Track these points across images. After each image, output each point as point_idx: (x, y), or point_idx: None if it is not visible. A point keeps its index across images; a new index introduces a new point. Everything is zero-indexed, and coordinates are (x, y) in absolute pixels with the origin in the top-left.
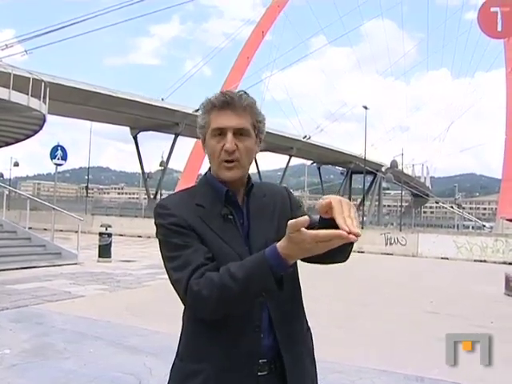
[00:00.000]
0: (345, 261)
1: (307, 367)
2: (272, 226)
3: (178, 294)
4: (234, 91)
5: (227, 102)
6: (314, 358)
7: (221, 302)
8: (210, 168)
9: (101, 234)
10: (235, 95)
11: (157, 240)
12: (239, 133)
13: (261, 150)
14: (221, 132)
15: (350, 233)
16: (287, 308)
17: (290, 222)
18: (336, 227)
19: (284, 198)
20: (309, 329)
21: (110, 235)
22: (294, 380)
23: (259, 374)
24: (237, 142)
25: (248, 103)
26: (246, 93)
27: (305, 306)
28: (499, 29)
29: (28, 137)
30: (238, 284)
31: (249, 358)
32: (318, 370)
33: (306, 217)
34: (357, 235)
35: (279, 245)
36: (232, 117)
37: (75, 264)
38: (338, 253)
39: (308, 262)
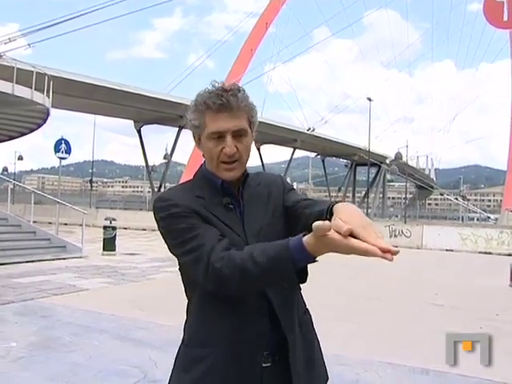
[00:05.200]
0: None
1: (312, 351)
2: (267, 213)
3: (196, 274)
4: (227, 87)
5: (223, 105)
6: (316, 338)
7: (240, 283)
8: (205, 161)
9: (105, 227)
10: (230, 95)
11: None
12: (238, 134)
13: (265, 143)
14: (219, 135)
15: (392, 253)
16: (287, 292)
17: (315, 224)
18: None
19: (278, 185)
20: (307, 311)
21: (114, 228)
22: (298, 365)
23: (264, 365)
24: (236, 144)
25: (244, 103)
26: (239, 89)
27: (308, 298)
28: (505, 18)
29: (32, 130)
30: (258, 269)
31: (255, 347)
32: None
33: (328, 222)
34: (396, 252)
35: (306, 240)
36: (229, 119)
37: (80, 257)
38: None
39: None
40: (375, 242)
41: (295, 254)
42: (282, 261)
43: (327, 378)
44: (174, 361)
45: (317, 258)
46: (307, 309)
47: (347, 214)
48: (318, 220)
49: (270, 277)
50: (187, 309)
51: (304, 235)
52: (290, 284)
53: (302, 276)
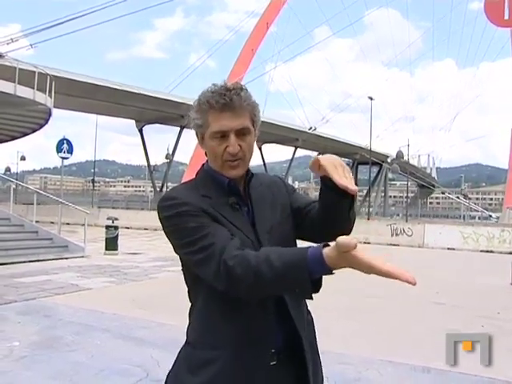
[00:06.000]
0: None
1: (314, 350)
2: (275, 212)
3: (206, 273)
4: (230, 86)
5: (227, 104)
6: (316, 340)
7: (252, 284)
8: (207, 160)
9: (107, 226)
10: (233, 95)
11: (163, 233)
12: (241, 133)
13: (267, 142)
14: (222, 134)
15: (350, 190)
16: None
17: (340, 240)
18: (335, 189)
19: (280, 186)
20: (309, 312)
21: (116, 228)
22: (309, 363)
23: (271, 363)
24: (239, 142)
25: (247, 101)
26: (241, 88)
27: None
28: (506, 17)
29: (34, 131)
30: (273, 273)
31: (262, 346)
32: (324, 362)
33: (355, 240)
34: (355, 191)
35: (327, 253)
36: (232, 118)
37: (82, 257)
38: (340, 228)
39: (303, 240)
40: (340, 179)
41: (313, 264)
42: (297, 269)
43: (323, 379)
44: (173, 363)
45: (333, 271)
46: (309, 310)
47: (325, 156)
48: (320, 202)
49: (283, 283)
50: (190, 312)
51: (324, 246)
52: (303, 292)
53: (316, 286)
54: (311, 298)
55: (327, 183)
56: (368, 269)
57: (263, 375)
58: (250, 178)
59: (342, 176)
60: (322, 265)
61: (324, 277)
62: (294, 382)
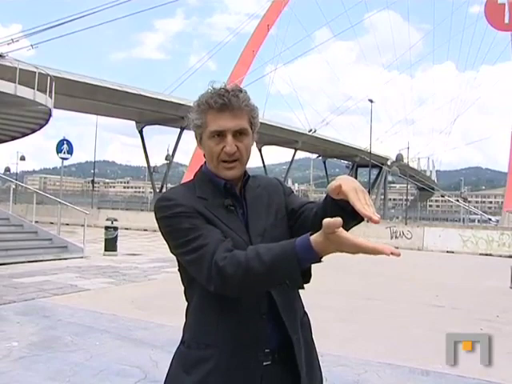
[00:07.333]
0: None
1: (311, 352)
2: (270, 214)
3: (198, 274)
4: (229, 88)
5: (225, 104)
6: (313, 341)
7: (243, 282)
8: (205, 162)
9: (107, 227)
10: (231, 96)
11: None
12: (239, 133)
13: (266, 144)
14: (220, 134)
15: (374, 221)
16: (289, 293)
17: (325, 221)
18: (347, 211)
19: (277, 187)
20: (305, 313)
21: (115, 229)
22: (302, 365)
23: (264, 363)
24: (236, 143)
25: (245, 103)
26: (240, 90)
27: (308, 299)
28: (506, 21)
29: (34, 131)
30: (263, 267)
31: (256, 345)
32: (322, 364)
33: (339, 218)
34: (377, 221)
35: (314, 239)
36: (230, 118)
37: (81, 257)
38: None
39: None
40: (363, 208)
41: (301, 252)
42: (287, 259)
43: (322, 380)
44: (171, 361)
45: (322, 259)
46: (305, 311)
47: (343, 179)
48: (323, 212)
49: (274, 275)
50: (186, 310)
51: (311, 234)
52: (293, 284)
53: (306, 276)
54: (302, 288)
55: (342, 205)
56: (354, 248)
57: (257, 374)
58: (247, 179)
59: (365, 204)
60: (310, 251)
61: (323, 279)
62: (288, 382)
